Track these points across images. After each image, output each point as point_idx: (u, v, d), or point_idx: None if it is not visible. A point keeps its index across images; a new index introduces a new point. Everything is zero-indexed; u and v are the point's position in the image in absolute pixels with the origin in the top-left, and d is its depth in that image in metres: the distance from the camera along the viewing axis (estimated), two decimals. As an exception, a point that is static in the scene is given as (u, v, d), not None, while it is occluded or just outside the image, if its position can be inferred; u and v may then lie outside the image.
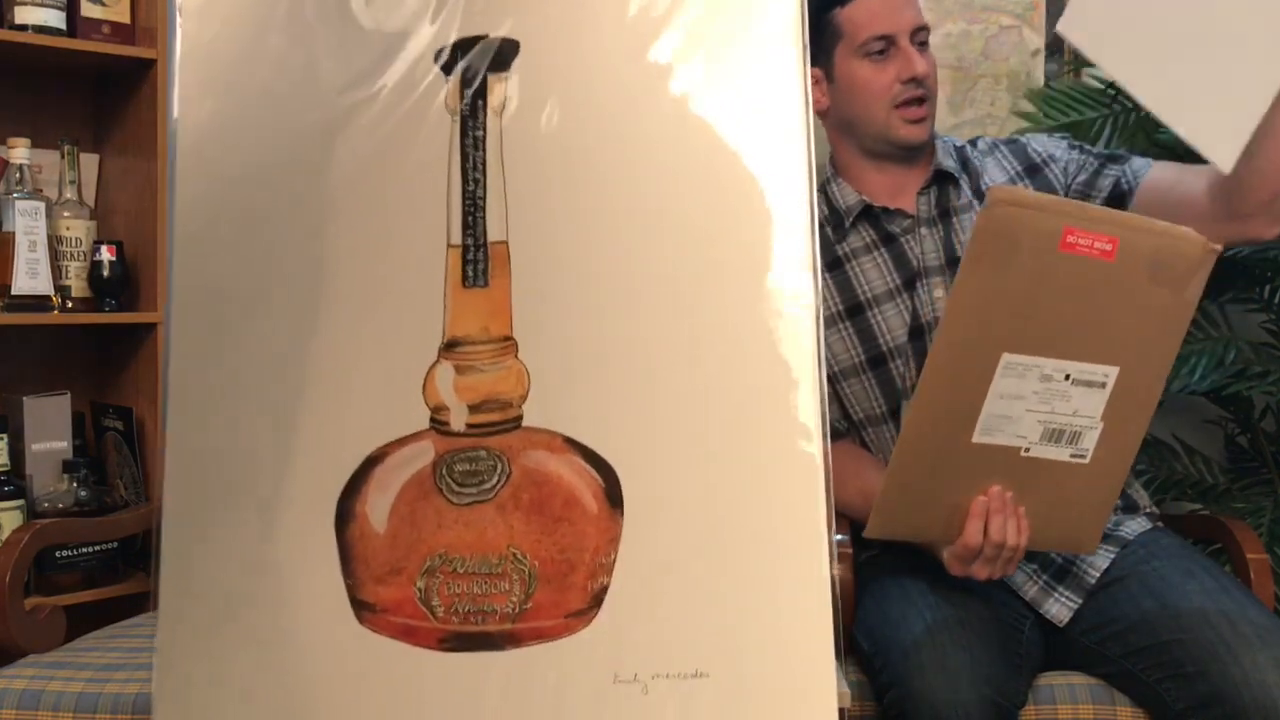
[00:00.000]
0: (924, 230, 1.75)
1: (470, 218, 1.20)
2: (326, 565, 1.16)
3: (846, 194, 1.78)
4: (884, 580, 1.62)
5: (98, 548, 2.17)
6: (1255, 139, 1.41)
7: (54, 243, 2.19)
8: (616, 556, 1.15)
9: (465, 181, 1.20)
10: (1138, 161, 1.72)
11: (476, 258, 1.19)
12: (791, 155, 1.19)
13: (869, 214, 1.76)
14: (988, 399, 1.33)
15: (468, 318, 1.19)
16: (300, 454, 1.18)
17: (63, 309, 2.21)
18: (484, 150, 1.21)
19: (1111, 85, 2.20)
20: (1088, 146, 1.79)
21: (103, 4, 2.23)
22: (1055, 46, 2.40)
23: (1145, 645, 1.46)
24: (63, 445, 2.23)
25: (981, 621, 1.48)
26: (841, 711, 1.11)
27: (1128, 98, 2.17)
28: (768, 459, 1.15)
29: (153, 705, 1.15)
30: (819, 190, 1.81)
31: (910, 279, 1.73)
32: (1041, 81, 2.39)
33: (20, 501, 2.11)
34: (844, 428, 1.77)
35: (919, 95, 1.72)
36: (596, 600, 1.14)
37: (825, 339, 1.71)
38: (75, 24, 2.21)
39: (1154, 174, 1.69)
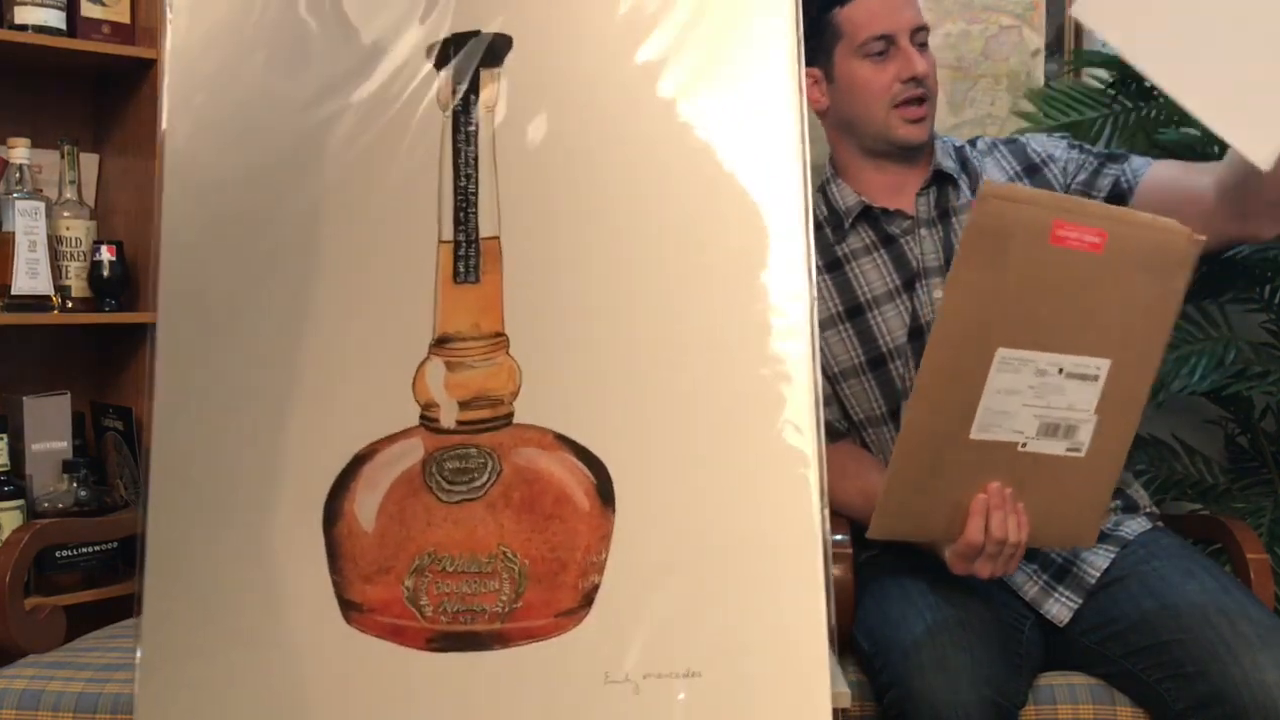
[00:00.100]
0: (923, 231, 1.74)
1: (462, 213, 1.20)
2: (314, 564, 1.16)
3: (846, 195, 1.77)
4: (884, 580, 1.62)
5: (98, 548, 2.18)
6: None
7: (54, 243, 2.20)
8: (608, 555, 1.14)
9: (457, 177, 1.20)
10: (1137, 160, 1.72)
11: (468, 253, 1.19)
12: (785, 153, 1.18)
13: (868, 215, 1.76)
14: (984, 395, 1.33)
15: (459, 314, 1.18)
16: (289, 452, 1.18)
17: (63, 309, 2.21)
18: (476, 146, 1.21)
19: (1111, 85, 2.20)
20: (1087, 146, 1.78)
21: (103, 4, 2.24)
22: (1055, 46, 2.40)
23: (1145, 645, 1.46)
24: (63, 445, 2.23)
25: (982, 622, 1.47)
26: (842, 712, 1.10)
27: (1128, 94, 2.18)
28: (761, 457, 1.14)
29: (135, 706, 1.15)
30: (818, 190, 1.81)
31: (910, 280, 1.73)
32: (1041, 81, 2.39)
33: (20, 501, 2.12)
34: (844, 428, 1.77)
35: (919, 95, 1.72)
36: (587, 599, 1.14)
37: (825, 340, 1.72)
38: (75, 24, 2.22)
39: (1154, 172, 1.69)
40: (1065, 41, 2.38)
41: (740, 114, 1.20)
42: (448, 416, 1.17)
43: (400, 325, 1.19)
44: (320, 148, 1.22)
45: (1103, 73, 2.25)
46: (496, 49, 1.22)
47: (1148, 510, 1.74)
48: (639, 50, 1.21)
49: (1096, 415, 1.37)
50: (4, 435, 2.10)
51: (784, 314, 1.16)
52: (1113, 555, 1.60)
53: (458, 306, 1.18)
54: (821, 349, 1.72)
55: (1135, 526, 1.66)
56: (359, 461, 1.17)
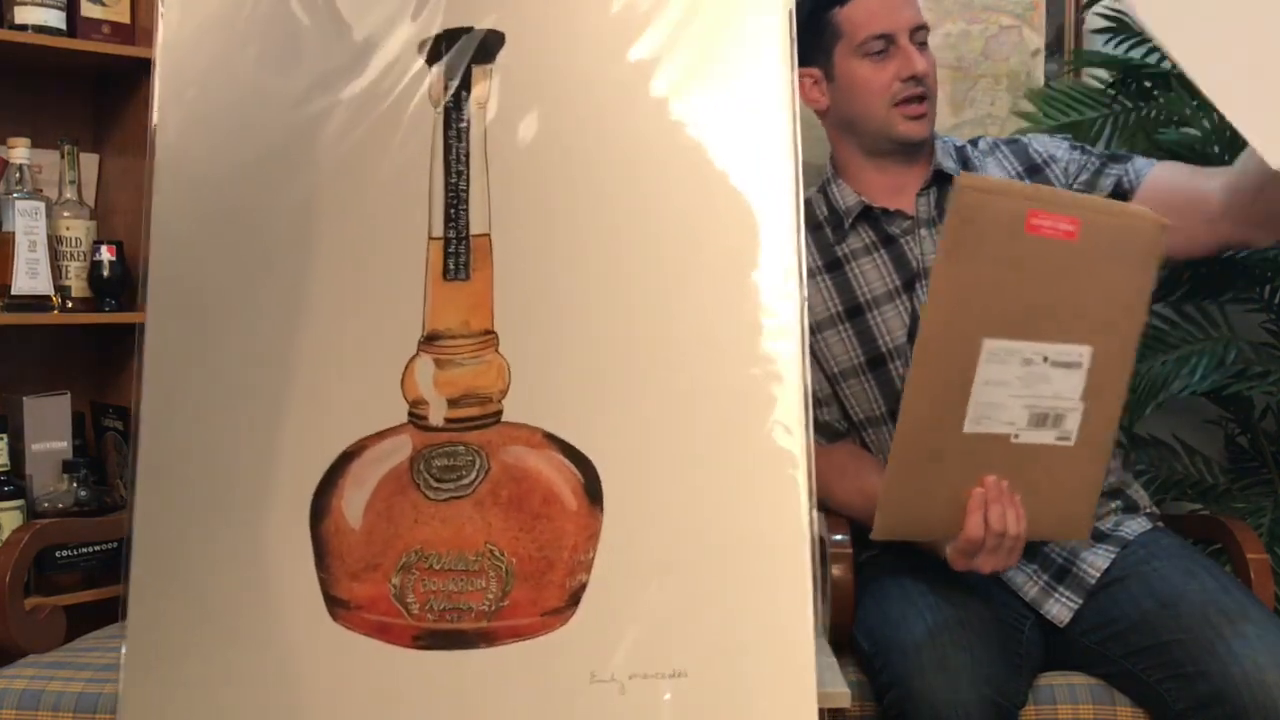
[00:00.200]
0: (923, 231, 1.74)
1: (453, 210, 1.19)
2: (301, 561, 1.15)
3: (846, 195, 1.77)
4: (884, 580, 1.62)
5: (98, 548, 2.17)
6: None
7: (54, 243, 2.19)
8: (595, 554, 1.14)
9: (448, 174, 1.20)
10: (1140, 161, 1.72)
11: (458, 250, 1.19)
12: (777, 152, 1.18)
13: (868, 215, 1.76)
14: (975, 387, 1.34)
15: (448, 311, 1.18)
16: (276, 449, 1.17)
17: (63, 309, 2.21)
18: (467, 142, 1.20)
19: (1111, 85, 2.20)
20: (1089, 147, 1.78)
21: (103, 4, 2.24)
22: (1055, 46, 2.40)
23: (1145, 645, 1.46)
24: (63, 445, 2.23)
25: (982, 622, 1.48)
26: (841, 712, 1.10)
27: (1128, 94, 2.18)
28: (750, 457, 1.14)
29: (119, 706, 1.14)
30: (819, 190, 1.81)
31: (910, 280, 1.72)
32: (1041, 81, 2.39)
33: (20, 501, 2.12)
34: (844, 428, 1.76)
35: (919, 93, 1.72)
36: (574, 598, 1.13)
37: (825, 340, 1.72)
38: (75, 24, 2.21)
39: (1156, 173, 1.69)
40: (1065, 41, 2.38)
41: (733, 112, 1.20)
42: (436, 414, 1.17)
43: (390, 322, 1.19)
44: (311, 143, 1.22)
45: (1103, 73, 2.25)
46: (489, 45, 1.22)
47: (1148, 510, 1.74)
48: (632, 48, 1.21)
49: (1082, 403, 1.38)
50: (4, 435, 2.10)
51: (775, 314, 1.16)
52: (1113, 555, 1.61)
53: (447, 304, 1.18)
54: (821, 349, 1.73)
55: (1135, 527, 1.66)
56: (347, 458, 1.17)
